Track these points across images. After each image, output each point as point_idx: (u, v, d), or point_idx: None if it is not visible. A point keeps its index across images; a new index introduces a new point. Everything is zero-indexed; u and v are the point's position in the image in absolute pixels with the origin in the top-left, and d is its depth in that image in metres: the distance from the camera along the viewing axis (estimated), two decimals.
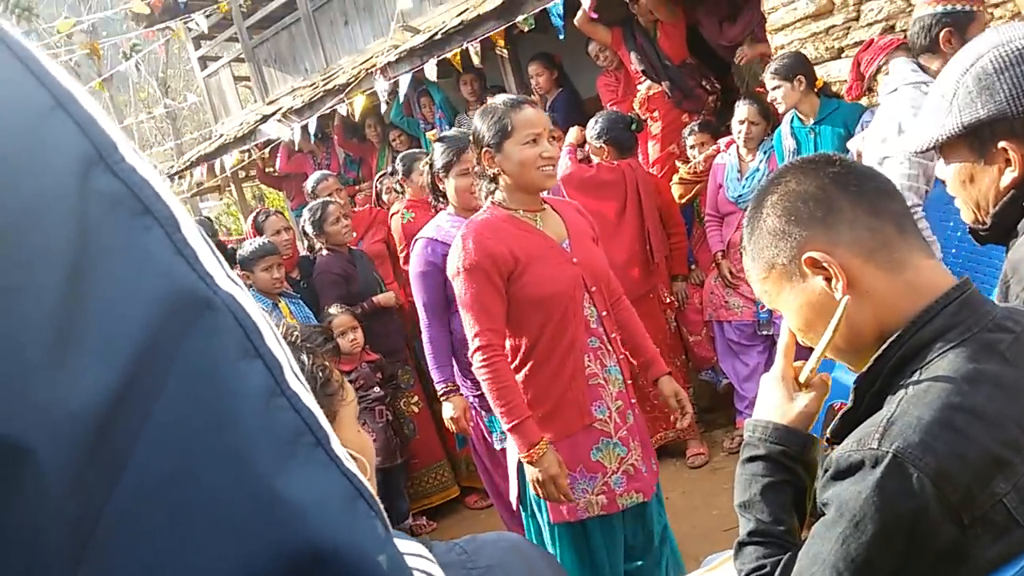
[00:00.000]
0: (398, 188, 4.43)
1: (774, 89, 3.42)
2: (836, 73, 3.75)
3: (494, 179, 2.18)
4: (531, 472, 2.08)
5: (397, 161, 4.34)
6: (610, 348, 2.24)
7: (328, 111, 6.33)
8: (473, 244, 2.09)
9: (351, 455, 0.40)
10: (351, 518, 0.37)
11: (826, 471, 1.00)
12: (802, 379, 1.15)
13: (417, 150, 4.59)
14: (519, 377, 2.14)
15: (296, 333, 1.15)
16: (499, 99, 2.22)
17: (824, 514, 0.98)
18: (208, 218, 6.83)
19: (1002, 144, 1.31)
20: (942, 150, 1.41)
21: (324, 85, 6.66)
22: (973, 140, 1.35)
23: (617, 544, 2.26)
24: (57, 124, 0.34)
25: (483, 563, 0.78)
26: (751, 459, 1.14)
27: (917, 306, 1.02)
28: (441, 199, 2.89)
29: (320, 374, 1.13)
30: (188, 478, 0.33)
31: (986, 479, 0.90)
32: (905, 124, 2.80)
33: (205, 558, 0.33)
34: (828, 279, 1.05)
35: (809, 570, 0.96)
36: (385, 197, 4.97)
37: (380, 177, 5.28)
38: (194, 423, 0.34)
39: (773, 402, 1.16)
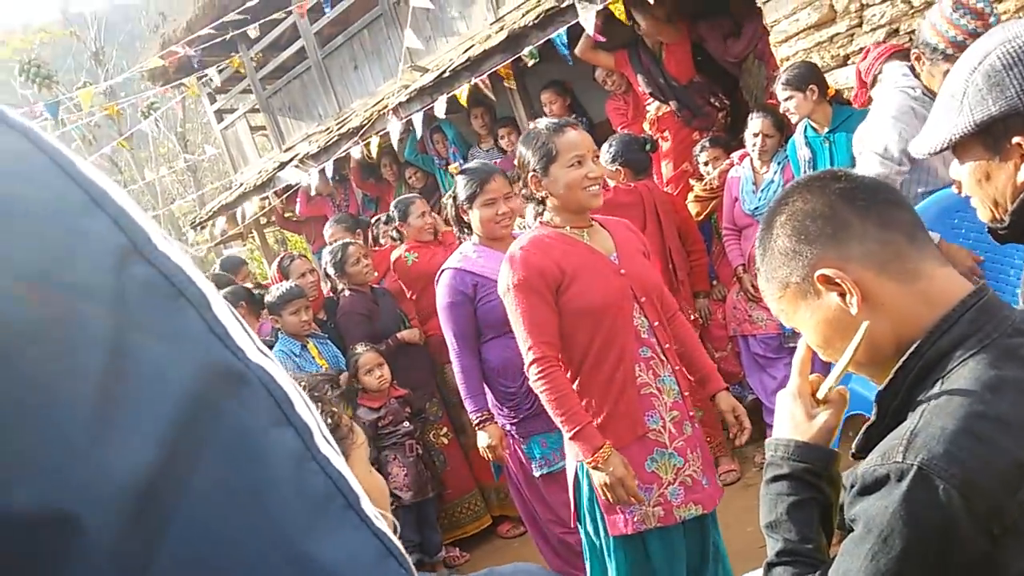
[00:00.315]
0: (394, 235, 4.45)
1: (787, 100, 3.42)
2: (844, 80, 3.76)
3: (542, 202, 2.24)
4: (598, 477, 2.08)
5: (392, 208, 4.35)
6: (664, 359, 2.23)
7: (343, 154, 6.43)
8: (521, 261, 2.14)
9: (381, 514, 0.42)
10: (383, 573, 0.38)
11: (852, 487, 0.99)
12: (820, 395, 1.14)
13: (411, 195, 4.60)
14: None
15: (303, 383, 1.18)
16: (542, 123, 2.26)
17: (852, 530, 0.97)
18: (242, 258, 6.90)
19: (1016, 140, 1.30)
20: (955, 150, 1.40)
21: (338, 129, 6.76)
22: (987, 138, 1.34)
23: (678, 558, 2.23)
24: (93, 220, 0.37)
25: None
26: (775, 479, 1.13)
27: (934, 315, 1.02)
28: (465, 230, 2.94)
29: (328, 421, 1.16)
30: (225, 545, 0.35)
31: (1014, 487, 0.89)
32: (882, 126, 2.80)
33: None
34: (842, 295, 1.05)
35: None
36: (383, 241, 4.99)
37: (376, 222, 5.32)
38: (230, 492, 0.36)
39: (793, 420, 1.15)
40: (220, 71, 7.74)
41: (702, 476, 2.24)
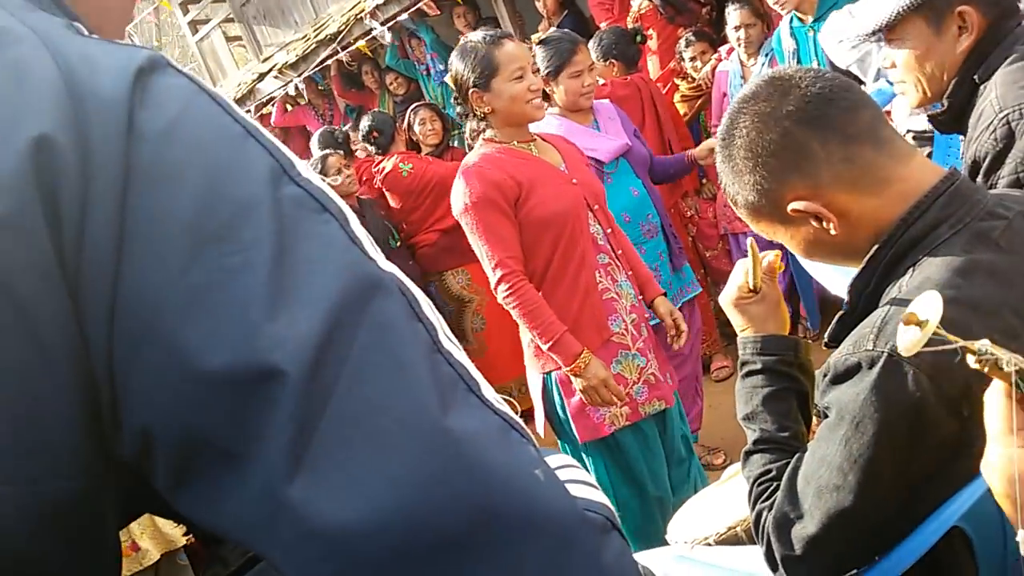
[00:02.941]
0: (372, 148, 4.34)
1: None
2: None
3: (484, 118, 2.20)
4: (579, 383, 2.13)
5: (364, 129, 4.29)
6: (619, 264, 2.29)
7: (324, 64, 6.26)
8: (476, 177, 2.11)
9: (504, 399, 0.49)
10: (506, 444, 0.45)
11: (825, 375, 1.01)
12: (752, 284, 1.17)
13: (379, 112, 4.51)
14: None
15: None
16: (476, 36, 2.20)
17: (827, 417, 0.99)
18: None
19: (960, 8, 1.31)
20: (892, 31, 1.41)
21: (316, 36, 6.57)
22: (929, 11, 1.36)
23: (655, 453, 2.32)
24: (251, 147, 0.46)
25: None
26: (749, 373, 1.16)
27: (907, 207, 1.01)
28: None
29: None
30: (378, 408, 0.42)
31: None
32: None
33: (397, 469, 0.41)
34: (819, 219, 1.04)
35: (816, 472, 0.98)
36: (361, 154, 4.86)
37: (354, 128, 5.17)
38: (380, 366, 0.43)
39: (749, 317, 1.18)
40: None
41: (660, 374, 2.32)
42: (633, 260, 2.40)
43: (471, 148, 2.29)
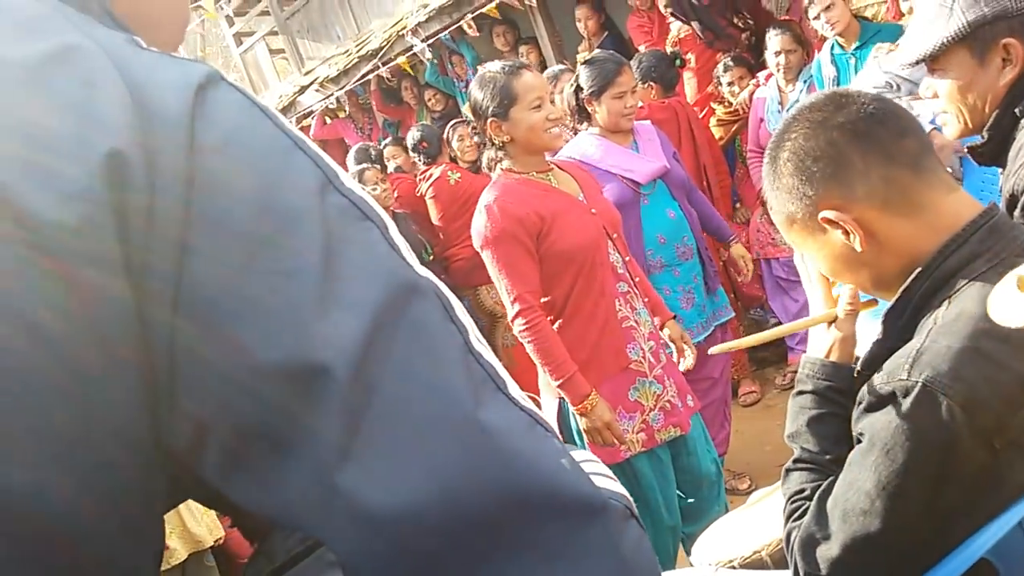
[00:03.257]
0: (417, 159, 4.43)
1: (827, 8, 3.30)
2: None
3: (502, 147, 2.22)
4: (584, 423, 2.15)
5: (413, 140, 4.37)
6: (637, 292, 2.33)
7: (366, 78, 6.35)
8: (498, 211, 2.13)
9: (530, 396, 0.52)
10: (533, 437, 0.48)
11: (859, 403, 1.02)
12: (840, 314, 1.17)
13: (427, 125, 4.61)
14: (555, 327, 2.20)
15: None
16: (494, 67, 2.23)
17: (860, 443, 1.00)
18: None
19: (1005, 41, 1.33)
20: (936, 61, 1.43)
21: (358, 51, 6.67)
22: (973, 42, 1.38)
23: (668, 480, 2.32)
24: (299, 159, 0.48)
25: None
26: (800, 393, 1.18)
27: (941, 239, 1.02)
28: (585, 120, 2.98)
29: None
30: (420, 401, 0.45)
31: (1018, 403, 0.90)
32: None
33: (436, 459, 0.45)
34: (846, 233, 1.05)
35: (844, 496, 0.98)
36: (392, 166, 4.95)
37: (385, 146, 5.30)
38: (419, 362, 0.46)
39: (818, 339, 1.19)
40: None
41: (678, 400, 2.34)
42: (645, 285, 2.43)
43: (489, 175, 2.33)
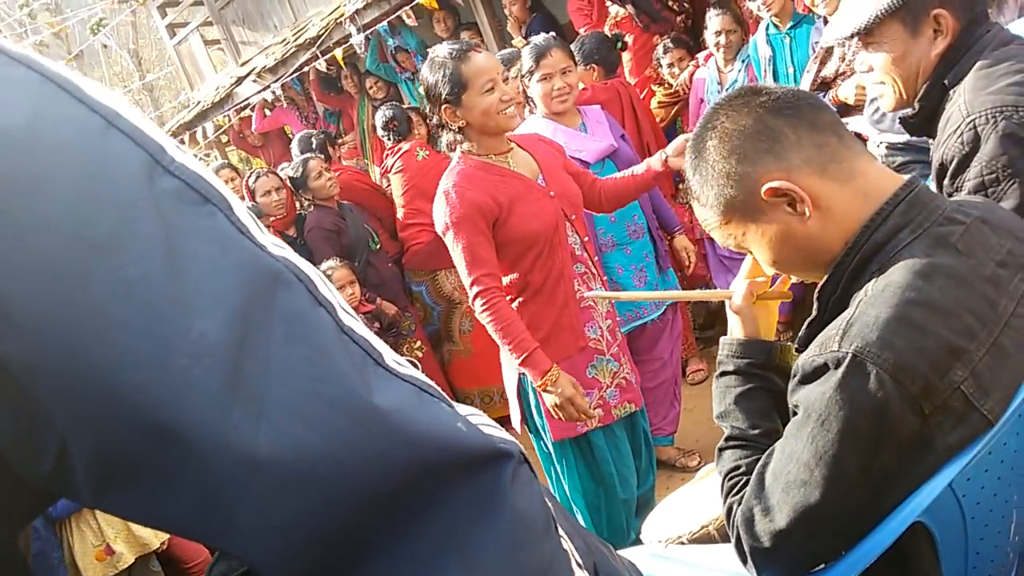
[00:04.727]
0: (397, 133, 4.41)
1: None
2: None
3: (460, 131, 2.21)
4: (548, 399, 2.18)
5: (383, 119, 4.34)
6: (595, 272, 2.36)
7: (306, 68, 6.24)
8: (456, 197, 2.14)
9: (407, 360, 0.51)
10: (424, 406, 0.47)
11: (794, 376, 1.03)
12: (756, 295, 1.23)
13: (396, 105, 4.58)
14: (515, 307, 2.23)
15: None
16: (442, 50, 2.19)
17: (796, 415, 1.02)
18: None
19: (935, 11, 1.36)
20: (870, 34, 1.46)
21: (295, 40, 6.55)
22: (906, 14, 1.41)
23: (623, 453, 2.40)
24: (115, 140, 0.41)
25: None
26: (722, 374, 1.21)
27: (871, 210, 1.05)
28: (530, 102, 2.99)
29: None
30: (316, 397, 0.42)
31: (944, 368, 0.93)
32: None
33: (345, 452, 0.43)
34: (792, 203, 1.06)
35: (784, 468, 1.00)
36: (344, 161, 4.94)
37: (341, 142, 5.25)
38: (303, 358, 0.43)
39: (735, 320, 1.24)
40: None
41: (631, 376, 2.41)
42: (628, 185, 2.44)
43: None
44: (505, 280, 2.23)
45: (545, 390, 2.16)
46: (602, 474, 2.37)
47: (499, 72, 2.17)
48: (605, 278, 2.40)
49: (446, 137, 2.27)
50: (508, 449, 0.50)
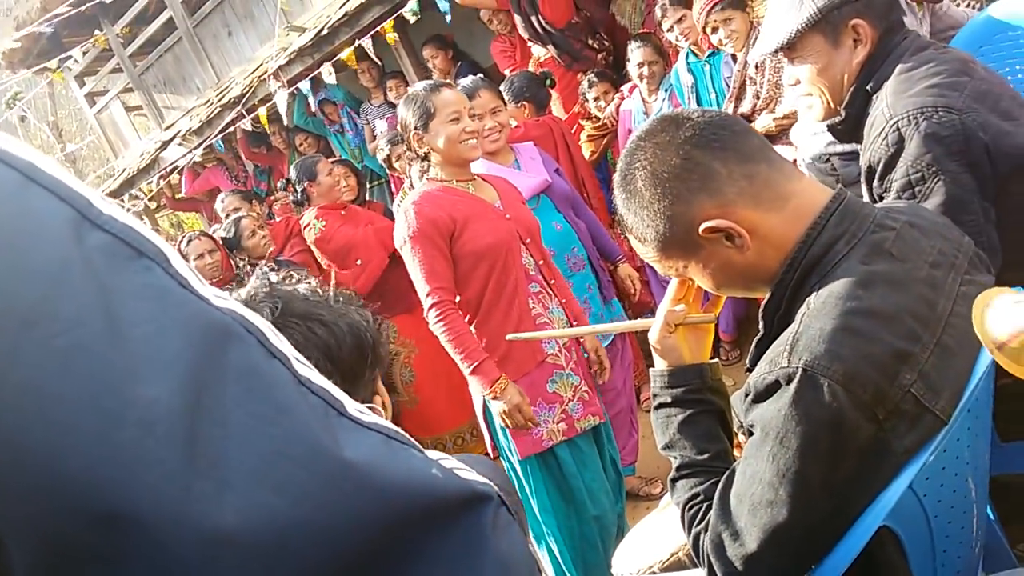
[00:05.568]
0: (294, 200, 4.29)
1: (678, 22, 3.47)
2: None
3: (426, 157, 2.39)
4: (497, 407, 2.26)
5: (292, 171, 4.17)
6: (551, 292, 2.46)
7: (231, 128, 6.18)
8: (414, 215, 2.28)
9: (370, 407, 0.48)
10: (395, 454, 0.45)
11: (746, 395, 1.03)
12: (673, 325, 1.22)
13: (310, 156, 4.50)
14: (472, 327, 2.33)
15: (340, 298, 1.13)
16: (419, 86, 2.40)
17: (752, 435, 1.02)
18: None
19: (853, 22, 1.43)
20: (793, 49, 1.51)
21: (219, 100, 6.49)
22: (826, 26, 1.47)
23: (591, 467, 2.43)
24: (36, 196, 0.38)
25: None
26: (660, 406, 1.20)
27: (804, 227, 1.06)
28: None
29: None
30: (281, 458, 0.40)
31: (893, 373, 0.94)
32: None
33: (318, 515, 0.40)
34: (729, 237, 1.06)
35: (748, 490, 1.00)
36: (277, 217, 4.87)
37: (272, 195, 5.19)
38: (265, 417, 0.40)
39: (658, 351, 1.23)
40: (84, 52, 7.28)
41: (593, 392, 2.49)
42: (567, 294, 2.55)
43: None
44: (462, 298, 2.32)
45: (494, 398, 2.24)
46: (571, 489, 2.40)
47: (465, 107, 2.36)
48: (564, 299, 2.47)
49: (417, 166, 2.42)
50: (486, 491, 0.48)
